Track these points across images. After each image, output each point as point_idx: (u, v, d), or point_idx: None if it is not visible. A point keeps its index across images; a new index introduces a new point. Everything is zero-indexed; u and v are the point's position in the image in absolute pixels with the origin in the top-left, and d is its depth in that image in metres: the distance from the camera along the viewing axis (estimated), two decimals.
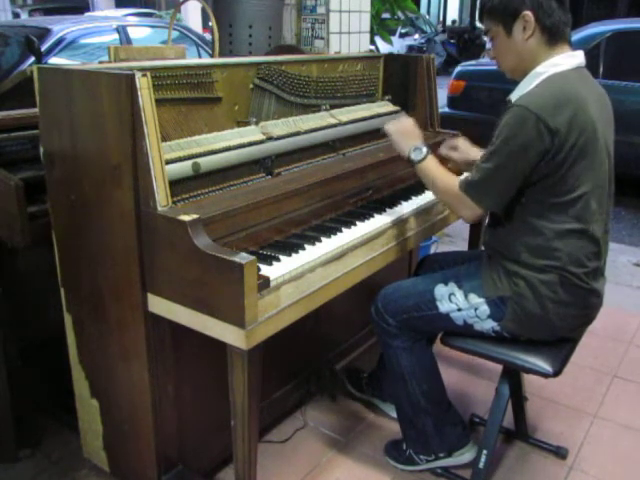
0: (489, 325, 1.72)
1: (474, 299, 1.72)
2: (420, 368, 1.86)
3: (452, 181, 1.71)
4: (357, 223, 1.83)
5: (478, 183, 1.62)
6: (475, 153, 2.00)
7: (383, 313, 1.84)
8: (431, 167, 1.78)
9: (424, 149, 1.79)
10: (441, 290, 1.78)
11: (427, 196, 2.15)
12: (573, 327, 1.74)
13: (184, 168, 1.61)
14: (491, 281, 1.70)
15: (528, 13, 1.59)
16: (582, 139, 1.54)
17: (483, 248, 1.86)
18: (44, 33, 4.61)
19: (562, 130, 1.52)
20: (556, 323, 1.68)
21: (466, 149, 2.04)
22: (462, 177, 1.70)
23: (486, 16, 1.69)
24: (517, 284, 1.65)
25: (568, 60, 1.62)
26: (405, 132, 1.88)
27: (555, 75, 1.59)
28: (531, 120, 1.51)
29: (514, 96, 1.65)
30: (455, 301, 1.75)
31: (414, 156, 1.80)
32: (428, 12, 21.94)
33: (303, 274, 1.54)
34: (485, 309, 1.71)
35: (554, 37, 1.61)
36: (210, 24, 2.36)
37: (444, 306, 1.76)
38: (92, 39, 5.07)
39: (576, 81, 1.61)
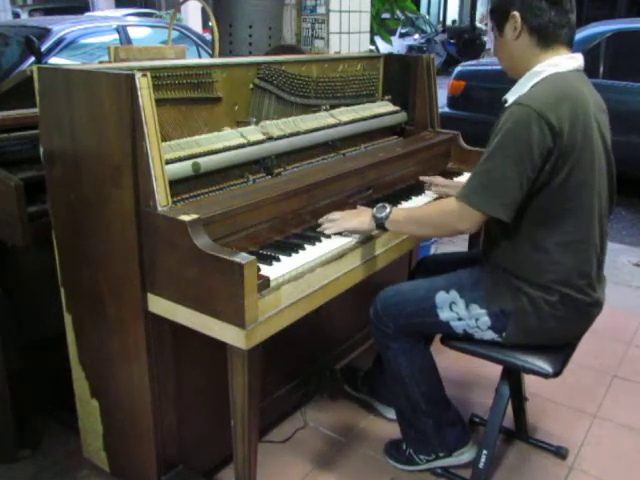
0: (489, 336, 1.72)
1: (475, 309, 1.70)
2: (419, 370, 1.85)
3: (435, 205, 1.63)
4: None
5: (478, 187, 1.55)
6: (456, 181, 2.06)
7: (382, 316, 1.82)
8: (403, 212, 1.75)
9: (385, 203, 1.74)
10: (442, 297, 1.75)
11: (427, 196, 2.16)
12: (574, 336, 1.76)
13: (184, 168, 1.61)
14: (493, 293, 1.68)
15: (516, 14, 1.59)
16: (583, 138, 1.53)
17: (483, 254, 1.79)
18: (44, 33, 4.62)
19: (564, 128, 1.50)
20: (557, 335, 1.70)
21: (445, 182, 2.09)
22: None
23: (490, 15, 1.71)
24: (520, 299, 1.64)
25: (568, 62, 1.60)
26: (348, 213, 1.82)
27: (555, 74, 1.57)
28: (533, 117, 1.48)
29: (510, 96, 1.64)
30: (456, 310, 1.73)
31: (380, 214, 1.72)
32: (428, 12, 21.95)
33: (303, 274, 1.54)
34: (486, 320, 1.69)
35: (545, 39, 1.59)
36: (210, 24, 2.36)
37: (444, 314, 1.75)
38: (92, 39, 5.08)
39: (576, 81, 1.59)
